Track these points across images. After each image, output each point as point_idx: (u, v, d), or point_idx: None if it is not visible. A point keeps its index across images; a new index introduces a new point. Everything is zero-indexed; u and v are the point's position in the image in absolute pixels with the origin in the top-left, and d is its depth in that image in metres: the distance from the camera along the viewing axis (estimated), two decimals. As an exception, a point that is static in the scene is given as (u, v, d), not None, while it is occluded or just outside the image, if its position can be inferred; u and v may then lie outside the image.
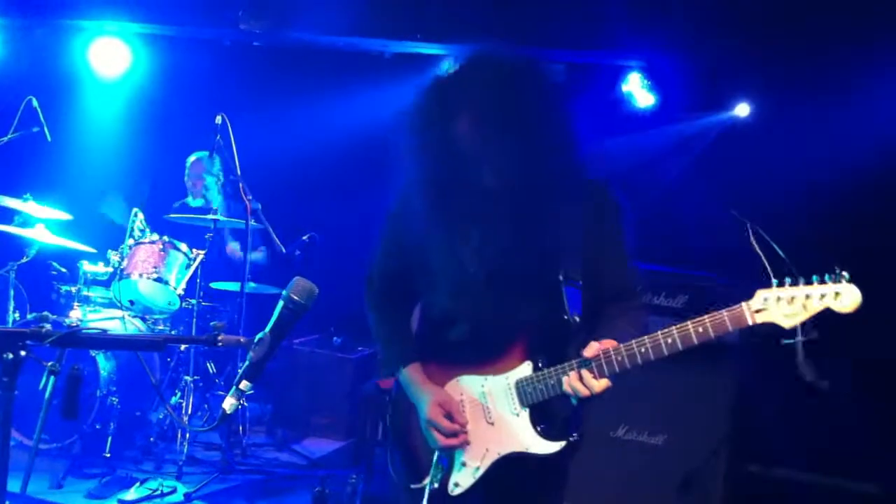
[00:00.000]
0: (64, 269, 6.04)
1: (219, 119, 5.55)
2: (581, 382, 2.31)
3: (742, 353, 4.62)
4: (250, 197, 5.61)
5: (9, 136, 6.00)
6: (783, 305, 2.15)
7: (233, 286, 6.19)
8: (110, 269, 5.80)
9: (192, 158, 6.70)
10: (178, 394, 5.72)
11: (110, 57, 7.04)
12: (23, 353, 2.01)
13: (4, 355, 2.03)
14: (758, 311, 2.17)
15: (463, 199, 2.35)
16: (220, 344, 2.14)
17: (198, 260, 5.82)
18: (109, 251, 5.83)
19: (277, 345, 2.19)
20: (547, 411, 2.43)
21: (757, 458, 5.14)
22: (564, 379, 2.35)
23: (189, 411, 5.63)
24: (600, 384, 2.31)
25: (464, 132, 2.30)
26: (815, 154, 5.14)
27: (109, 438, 5.32)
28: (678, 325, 2.27)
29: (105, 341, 2.34)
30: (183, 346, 5.81)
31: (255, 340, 2.16)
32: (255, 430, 6.33)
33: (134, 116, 7.35)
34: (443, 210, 2.41)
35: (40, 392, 2.14)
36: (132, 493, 4.88)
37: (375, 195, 4.01)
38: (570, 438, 2.42)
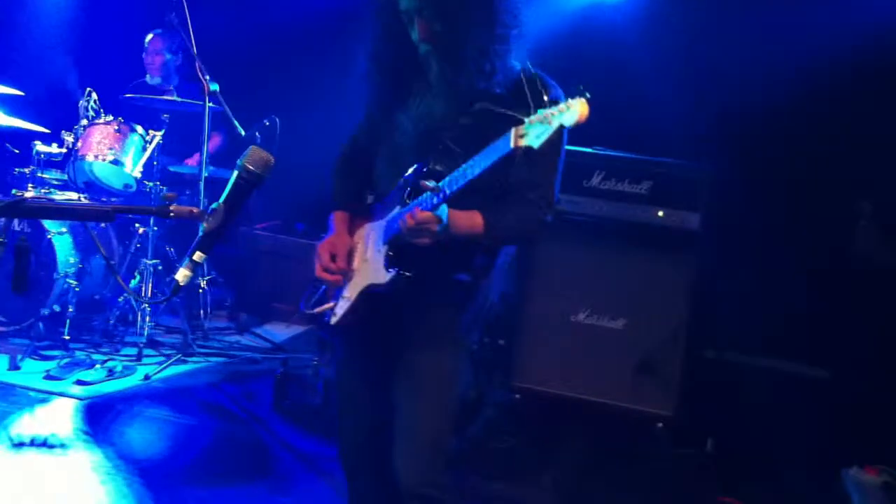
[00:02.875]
0: (17, 150, 5.88)
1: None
2: (410, 217, 2.37)
3: (702, 240, 4.64)
4: (208, 77, 5.44)
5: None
6: (537, 126, 2.19)
7: (191, 170, 6.08)
8: (64, 150, 5.65)
9: (149, 36, 6.49)
10: (138, 277, 5.66)
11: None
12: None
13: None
14: (521, 136, 2.19)
15: (408, 72, 2.59)
16: (171, 215, 2.07)
17: (154, 141, 5.69)
18: (63, 132, 5.67)
19: (232, 217, 2.13)
20: (400, 248, 2.51)
21: (714, 343, 5.22)
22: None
23: (148, 294, 5.57)
24: (419, 215, 2.35)
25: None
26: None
27: (68, 321, 5.27)
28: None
29: (51, 210, 2.26)
30: (141, 229, 5.72)
31: (209, 211, 2.09)
32: (216, 315, 6.31)
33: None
34: (391, 81, 2.63)
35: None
36: (91, 374, 4.87)
37: (338, 76, 3.91)
38: (403, 273, 2.48)
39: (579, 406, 4.71)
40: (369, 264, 2.59)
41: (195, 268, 2.10)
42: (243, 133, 5.76)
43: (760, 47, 5.17)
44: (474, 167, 2.28)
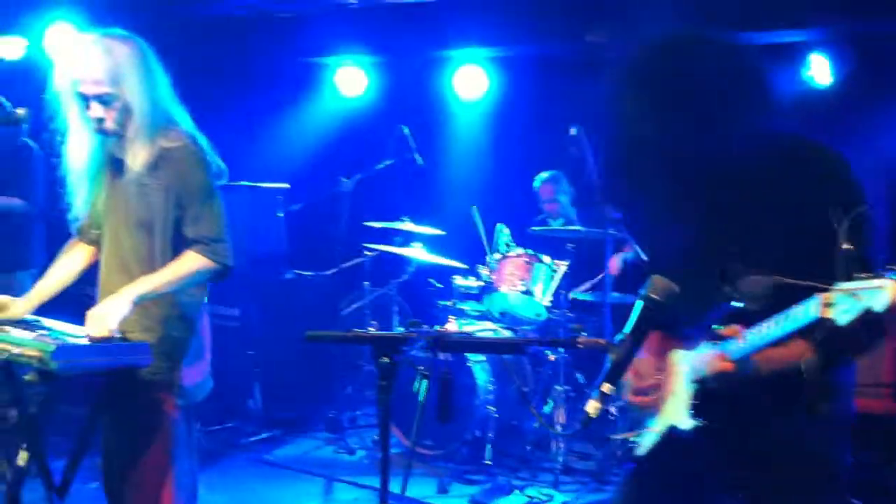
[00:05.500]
0: (440, 285, 6.42)
1: (573, 131, 5.60)
2: (713, 361, 2.19)
3: None
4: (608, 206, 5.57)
5: (384, 164, 6.53)
6: (846, 300, 1.89)
7: (595, 297, 6.20)
8: (481, 283, 6.07)
9: (537, 183, 6.80)
10: (551, 403, 5.81)
11: (472, 82, 7.43)
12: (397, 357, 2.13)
13: (382, 359, 2.17)
14: (828, 306, 1.91)
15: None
16: (579, 346, 2.12)
17: (560, 271, 5.90)
18: (479, 266, 6.10)
19: (638, 346, 2.12)
20: (707, 393, 2.29)
21: None
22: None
23: (561, 420, 5.69)
24: (720, 364, 2.17)
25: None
26: None
27: (488, 446, 5.52)
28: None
29: (470, 344, 2.41)
30: (552, 357, 5.90)
31: (615, 342, 2.10)
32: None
33: (495, 135, 7.67)
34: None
35: (416, 395, 2.25)
36: (511, 501, 5.03)
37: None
38: (708, 423, 2.26)
39: None
40: (676, 400, 2.42)
41: (605, 399, 2.10)
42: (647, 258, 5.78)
43: None
44: (776, 328, 2.10)
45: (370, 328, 6.33)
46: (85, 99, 3.08)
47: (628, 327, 2.10)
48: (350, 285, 6.80)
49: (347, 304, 6.70)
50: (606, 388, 2.08)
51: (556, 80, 7.11)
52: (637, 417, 2.63)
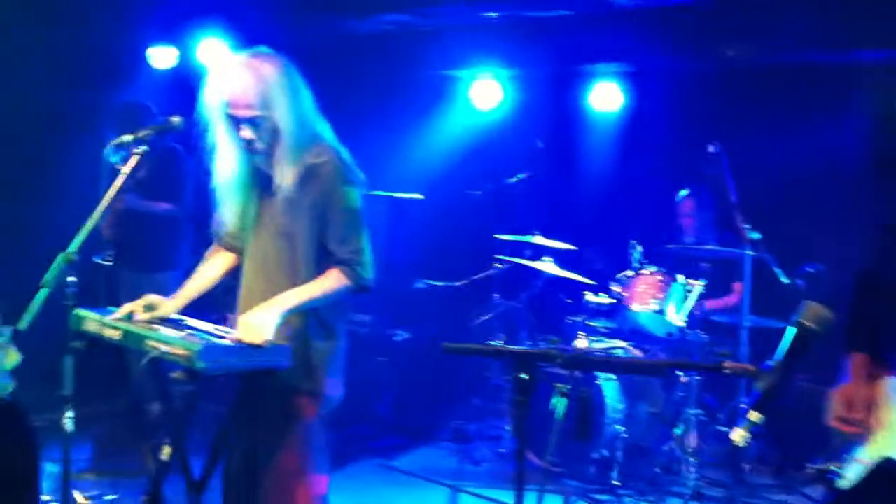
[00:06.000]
0: (569, 300, 6.36)
1: (712, 148, 5.46)
2: None
3: None
4: (747, 226, 5.41)
5: (517, 177, 6.53)
6: None
7: (731, 318, 6.02)
8: (612, 300, 5.98)
9: (680, 198, 6.65)
10: (682, 427, 5.67)
11: (607, 96, 7.36)
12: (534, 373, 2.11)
13: (520, 375, 2.15)
14: None
15: None
16: (725, 371, 2.05)
17: (695, 291, 5.75)
18: (611, 283, 6.02)
19: (789, 375, 2.04)
20: None
21: None
22: None
23: (693, 444, 5.54)
24: None
25: None
26: None
27: (616, 466, 5.43)
28: None
29: (612, 364, 2.37)
30: (684, 378, 5.75)
31: (765, 369, 2.03)
32: (760, 470, 6.03)
33: (629, 150, 7.56)
34: None
35: (550, 413, 2.23)
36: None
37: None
38: None
39: None
40: (892, 431, 2.31)
41: (752, 428, 2.03)
42: (786, 281, 5.60)
43: None
44: None
45: (498, 341, 6.33)
46: (235, 120, 3.19)
47: (780, 354, 2.02)
48: (479, 297, 6.82)
49: (476, 315, 6.71)
50: (755, 416, 2.01)
51: (695, 96, 6.98)
52: (840, 447, 2.53)
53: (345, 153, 3.35)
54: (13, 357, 3.59)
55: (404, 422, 6.49)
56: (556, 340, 2.19)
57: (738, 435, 2.02)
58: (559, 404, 2.13)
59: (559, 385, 2.15)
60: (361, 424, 6.28)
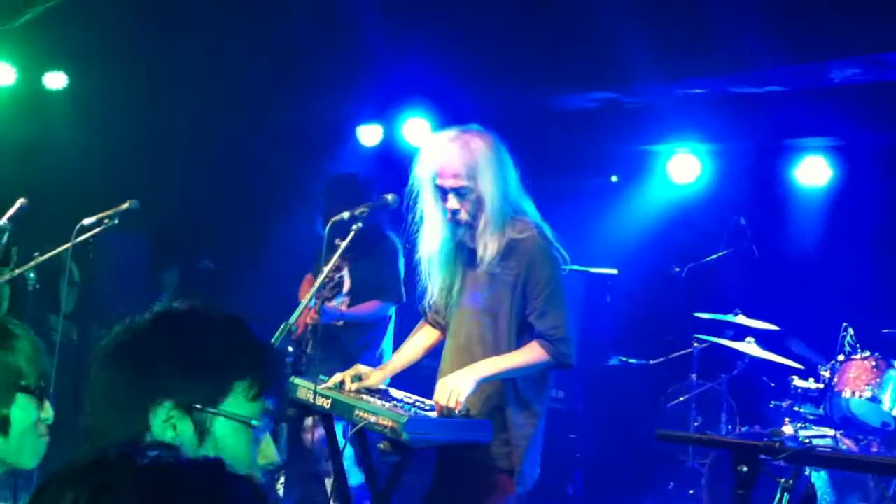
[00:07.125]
0: (773, 384, 6.07)
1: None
2: None
3: None
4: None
5: (719, 254, 6.35)
6: None
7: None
8: (821, 386, 5.66)
9: None
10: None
11: (815, 170, 7.07)
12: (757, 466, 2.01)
13: (739, 468, 2.06)
14: None
15: None
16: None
17: (917, 378, 5.36)
18: (820, 367, 5.71)
19: None
20: None
21: None
22: None
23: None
24: None
25: None
26: None
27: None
28: None
29: (841, 461, 2.23)
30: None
31: None
32: None
33: (837, 226, 7.20)
34: None
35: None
36: None
37: None
38: None
39: None
40: None
41: None
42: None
43: None
44: None
45: (694, 423, 6.11)
46: (443, 191, 3.28)
47: None
48: (676, 376, 6.63)
49: (673, 395, 6.52)
50: None
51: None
52: None
53: (547, 229, 3.38)
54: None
55: (595, 501, 6.34)
56: (778, 432, 2.08)
57: None
58: (783, 500, 2.02)
59: (781, 480, 2.04)
60: (553, 503, 6.19)
